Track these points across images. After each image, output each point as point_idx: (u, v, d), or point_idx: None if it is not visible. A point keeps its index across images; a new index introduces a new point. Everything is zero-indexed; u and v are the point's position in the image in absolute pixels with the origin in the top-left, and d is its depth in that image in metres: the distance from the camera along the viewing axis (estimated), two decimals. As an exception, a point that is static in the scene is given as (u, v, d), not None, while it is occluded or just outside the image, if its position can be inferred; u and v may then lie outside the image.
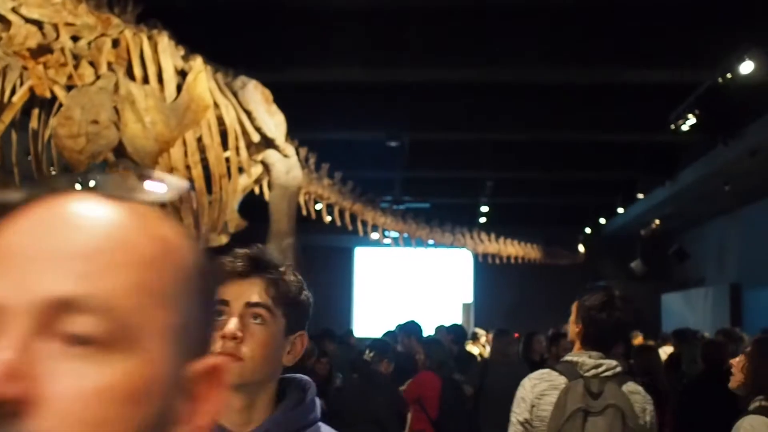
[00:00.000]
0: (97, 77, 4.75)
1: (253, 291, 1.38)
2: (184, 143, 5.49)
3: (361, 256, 20.09)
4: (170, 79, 5.21)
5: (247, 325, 1.37)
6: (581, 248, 17.18)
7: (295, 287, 1.43)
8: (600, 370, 2.73)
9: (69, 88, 4.69)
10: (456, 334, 7.80)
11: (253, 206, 7.02)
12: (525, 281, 16.91)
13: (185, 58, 5.46)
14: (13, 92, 4.62)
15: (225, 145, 5.92)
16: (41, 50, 4.48)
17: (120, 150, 4.82)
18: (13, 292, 0.52)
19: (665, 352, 7.65)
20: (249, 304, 1.38)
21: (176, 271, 0.57)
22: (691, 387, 5.54)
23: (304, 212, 9.12)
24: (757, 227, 13.20)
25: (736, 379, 3.12)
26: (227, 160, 5.95)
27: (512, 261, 14.82)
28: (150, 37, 5.18)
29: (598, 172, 13.74)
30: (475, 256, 15.55)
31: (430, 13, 8.35)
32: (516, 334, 7.73)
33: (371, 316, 18.66)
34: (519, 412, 2.77)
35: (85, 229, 0.54)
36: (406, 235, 12.48)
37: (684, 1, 8.02)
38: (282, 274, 1.42)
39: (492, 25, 8.30)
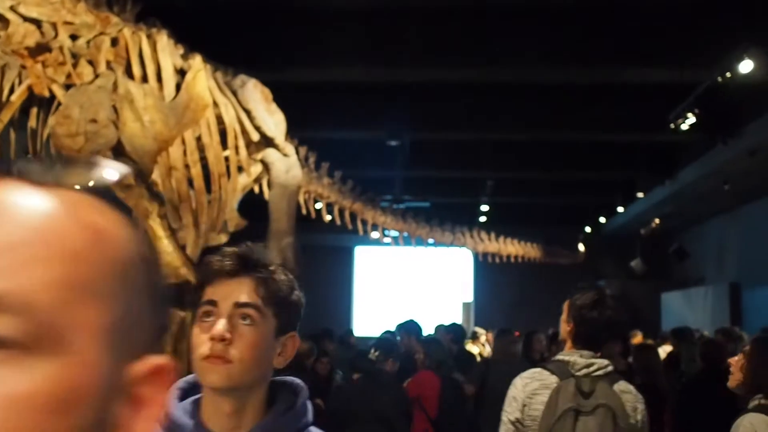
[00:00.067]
0: (96, 76, 4.75)
1: (242, 291, 1.34)
2: (183, 142, 5.49)
3: (361, 255, 20.09)
4: (169, 78, 5.21)
5: (236, 326, 1.32)
6: (581, 247, 17.18)
7: (286, 286, 1.38)
8: (591, 369, 2.73)
9: (67, 86, 4.68)
10: (455, 334, 7.80)
11: (253, 205, 7.02)
12: (525, 280, 16.91)
13: (184, 56, 5.46)
14: (11, 91, 4.62)
15: (224, 144, 5.92)
16: (40, 49, 4.48)
17: (119, 149, 4.82)
18: None
19: (665, 351, 7.65)
20: (238, 305, 1.33)
21: (111, 264, 0.51)
22: (690, 386, 5.53)
23: (304, 211, 9.12)
24: (757, 226, 13.20)
25: (735, 378, 3.12)
26: (226, 159, 5.95)
27: (512, 260, 14.82)
28: (149, 36, 5.17)
29: (597, 171, 13.74)
30: (475, 256, 15.54)
31: (430, 13, 8.36)
32: (517, 333, 7.72)
33: (371, 316, 18.66)
34: (510, 411, 2.76)
35: (3, 220, 0.49)
36: (406, 234, 12.48)
37: (683, 0, 8.02)
38: (272, 272, 1.37)
39: (492, 25, 8.30)
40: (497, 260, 14.65)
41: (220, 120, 5.84)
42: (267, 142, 6.38)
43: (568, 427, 2.65)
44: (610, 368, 2.77)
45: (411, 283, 19.51)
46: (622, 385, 2.78)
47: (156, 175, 5.33)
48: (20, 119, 4.92)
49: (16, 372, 0.46)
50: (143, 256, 0.54)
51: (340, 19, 8.34)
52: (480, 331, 10.93)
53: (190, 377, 1.40)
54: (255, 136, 6.23)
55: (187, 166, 5.56)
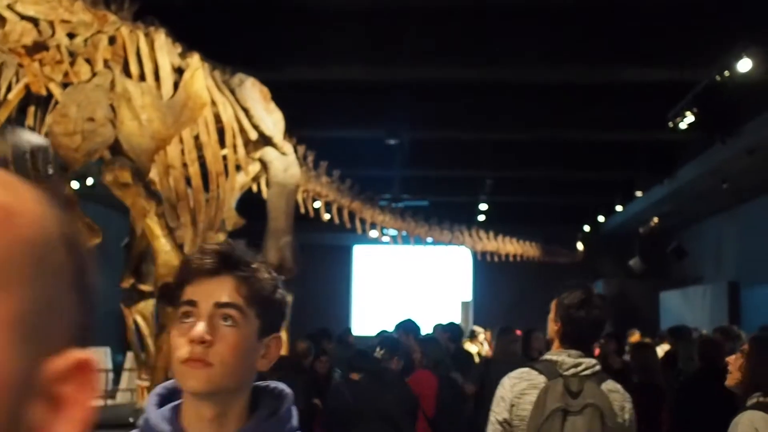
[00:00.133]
0: (94, 74, 4.75)
1: (222, 290, 1.27)
2: (181, 141, 5.49)
3: (360, 254, 20.09)
4: (167, 77, 5.21)
5: (217, 327, 1.26)
6: (580, 246, 17.19)
7: (269, 285, 1.31)
8: (579, 368, 2.72)
9: (65, 85, 4.69)
10: (453, 333, 7.79)
11: (251, 204, 7.02)
12: (524, 279, 16.90)
13: (182, 55, 5.45)
14: (8, 89, 4.62)
15: (222, 142, 5.92)
16: (37, 47, 4.47)
17: (116, 148, 4.82)
18: None
19: (663, 349, 7.65)
20: (218, 305, 1.26)
21: (19, 246, 0.45)
22: (688, 384, 5.53)
23: (303, 210, 9.13)
24: (755, 225, 13.20)
25: (733, 377, 3.12)
26: (224, 157, 5.95)
27: (511, 259, 14.82)
28: (147, 35, 5.17)
29: (596, 170, 13.75)
30: (474, 254, 15.55)
31: (430, 13, 8.36)
32: (518, 332, 7.72)
33: (370, 315, 18.66)
34: (498, 411, 2.75)
35: None
36: (404, 233, 12.48)
37: (683, 0, 8.02)
38: (254, 271, 1.30)
39: (492, 25, 8.30)
40: (496, 259, 14.65)
41: (218, 119, 5.84)
42: (265, 140, 6.37)
43: (556, 427, 2.65)
44: (597, 368, 2.77)
45: (410, 282, 19.52)
46: (609, 385, 2.77)
47: (154, 174, 5.33)
48: (18, 118, 4.91)
49: None
50: (64, 238, 0.48)
51: (340, 19, 8.34)
52: (478, 329, 10.92)
53: (169, 383, 1.34)
54: (253, 135, 6.23)
55: (185, 165, 5.56)
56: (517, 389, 2.74)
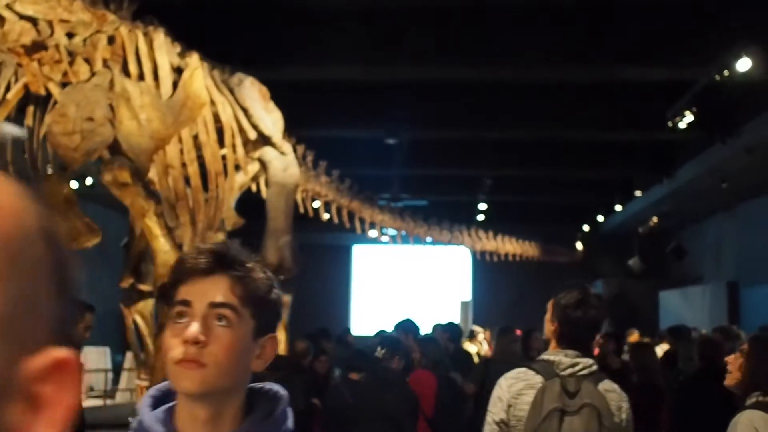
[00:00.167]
0: (93, 74, 4.74)
1: (217, 290, 1.25)
2: (180, 140, 5.49)
3: (359, 253, 20.09)
4: (166, 76, 5.20)
5: (211, 327, 1.24)
6: (579, 246, 17.20)
7: (265, 285, 1.29)
8: (576, 368, 2.72)
9: (64, 85, 4.68)
10: (452, 333, 7.79)
11: (250, 204, 7.02)
12: (523, 279, 16.90)
13: (181, 54, 5.45)
14: (7, 89, 4.62)
15: (221, 142, 5.92)
16: (36, 47, 4.47)
17: (115, 147, 4.81)
18: None
19: (662, 349, 7.65)
20: (213, 305, 1.24)
21: None
22: (687, 384, 5.54)
23: (302, 210, 9.12)
24: (755, 224, 13.21)
25: (732, 377, 3.12)
26: (224, 157, 5.95)
27: (510, 259, 14.83)
28: (146, 34, 5.17)
29: (596, 170, 13.75)
30: (474, 254, 15.55)
31: (430, 13, 8.36)
32: (518, 331, 7.71)
33: (369, 314, 18.66)
34: (495, 412, 2.75)
35: None
36: (404, 232, 12.47)
37: (682, 0, 8.02)
38: (249, 270, 1.28)
39: (492, 25, 8.31)
40: (495, 259, 14.65)
41: (217, 118, 5.83)
42: (264, 140, 6.37)
43: (553, 427, 2.65)
44: (594, 367, 2.76)
45: (409, 282, 19.52)
46: (606, 385, 2.77)
47: (153, 174, 5.32)
48: (17, 117, 4.91)
49: None
50: (43, 232, 0.46)
51: (340, 19, 8.34)
52: (477, 329, 10.92)
53: (163, 384, 1.33)
54: (252, 135, 6.23)
55: (184, 165, 5.56)
56: (514, 389, 2.74)
